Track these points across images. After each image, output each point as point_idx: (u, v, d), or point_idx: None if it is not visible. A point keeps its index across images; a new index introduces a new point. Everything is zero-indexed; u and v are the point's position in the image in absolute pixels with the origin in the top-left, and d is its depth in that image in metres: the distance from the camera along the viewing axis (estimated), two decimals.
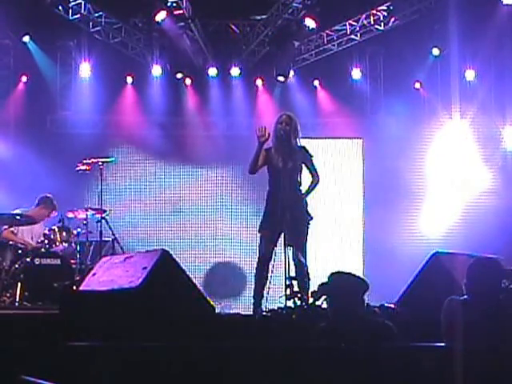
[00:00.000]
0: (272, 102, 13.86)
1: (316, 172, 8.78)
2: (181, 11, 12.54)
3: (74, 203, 11.61)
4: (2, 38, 13.27)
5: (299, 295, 7.88)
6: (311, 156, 8.77)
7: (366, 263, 13.05)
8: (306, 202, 8.72)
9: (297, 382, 4.97)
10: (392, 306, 7.49)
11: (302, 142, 8.82)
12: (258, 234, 8.80)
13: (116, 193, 13.20)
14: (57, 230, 11.04)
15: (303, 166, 8.75)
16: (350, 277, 5.60)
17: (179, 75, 13.60)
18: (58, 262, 10.61)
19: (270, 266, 8.48)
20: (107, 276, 7.24)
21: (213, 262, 13.71)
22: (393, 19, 13.36)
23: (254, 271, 8.72)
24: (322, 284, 6.59)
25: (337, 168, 13.85)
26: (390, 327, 5.53)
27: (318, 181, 8.80)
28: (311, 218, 8.66)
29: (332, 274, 5.55)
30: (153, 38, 13.30)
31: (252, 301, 8.72)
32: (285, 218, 8.24)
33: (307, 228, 8.63)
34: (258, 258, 8.69)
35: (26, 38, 13.22)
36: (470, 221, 13.49)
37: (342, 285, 5.45)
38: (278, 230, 8.43)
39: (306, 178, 8.82)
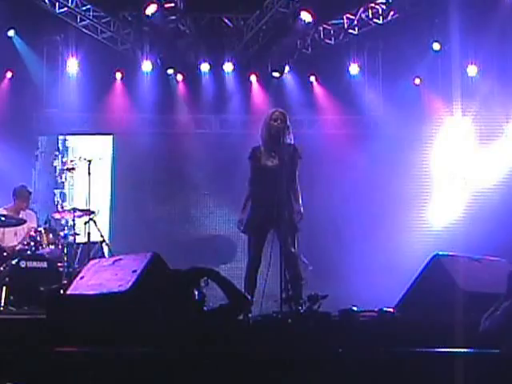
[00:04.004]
0: (266, 98, 13.78)
1: (295, 176, 8.51)
2: (172, 4, 12.48)
3: (60, 204, 11.47)
4: None
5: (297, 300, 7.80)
6: (299, 158, 8.56)
7: (365, 264, 12.70)
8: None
9: None
10: (391, 310, 7.35)
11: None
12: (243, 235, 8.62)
13: (104, 193, 12.91)
14: (43, 231, 10.86)
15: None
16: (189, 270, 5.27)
17: (170, 71, 13.61)
18: (45, 264, 10.42)
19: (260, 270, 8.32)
20: (96, 279, 7.16)
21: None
22: (392, 13, 13.33)
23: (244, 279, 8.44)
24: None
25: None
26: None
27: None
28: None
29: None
30: (143, 32, 13.27)
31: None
32: (281, 217, 8.10)
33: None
34: (248, 262, 8.46)
35: (11, 33, 13.25)
36: (472, 219, 13.32)
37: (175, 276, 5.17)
38: (268, 229, 8.28)
39: None
